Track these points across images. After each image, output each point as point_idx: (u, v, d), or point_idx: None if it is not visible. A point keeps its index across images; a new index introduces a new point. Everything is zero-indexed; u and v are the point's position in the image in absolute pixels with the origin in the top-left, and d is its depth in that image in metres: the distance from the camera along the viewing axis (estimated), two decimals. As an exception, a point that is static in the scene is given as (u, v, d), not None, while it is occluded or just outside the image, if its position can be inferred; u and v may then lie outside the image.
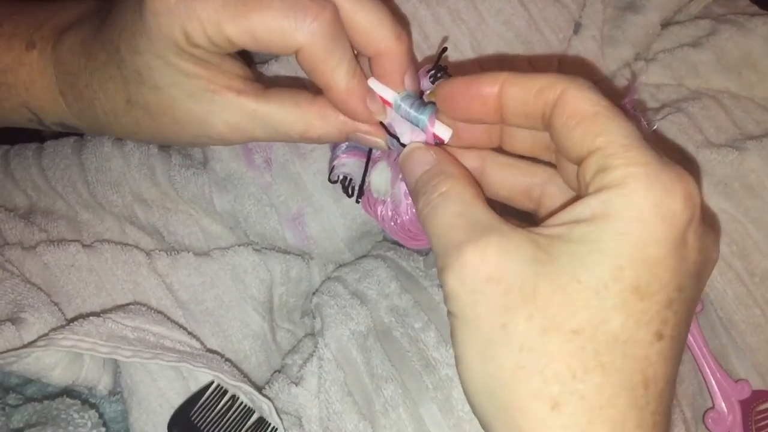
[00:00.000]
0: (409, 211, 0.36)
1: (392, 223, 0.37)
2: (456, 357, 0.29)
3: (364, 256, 0.49)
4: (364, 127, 0.35)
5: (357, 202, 0.38)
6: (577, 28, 0.52)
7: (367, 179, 0.38)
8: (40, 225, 0.47)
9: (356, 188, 0.38)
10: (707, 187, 0.45)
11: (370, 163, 0.38)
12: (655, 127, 0.37)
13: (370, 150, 0.38)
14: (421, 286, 0.44)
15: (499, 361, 0.27)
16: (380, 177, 0.38)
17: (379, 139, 0.36)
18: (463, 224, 0.29)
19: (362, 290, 0.44)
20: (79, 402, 0.37)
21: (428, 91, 0.37)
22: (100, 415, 0.38)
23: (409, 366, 0.40)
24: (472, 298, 0.27)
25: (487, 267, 0.27)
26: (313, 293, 0.47)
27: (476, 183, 0.33)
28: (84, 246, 0.45)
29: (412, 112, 0.35)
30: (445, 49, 0.40)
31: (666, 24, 0.53)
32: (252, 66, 0.46)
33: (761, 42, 0.48)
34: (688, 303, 0.27)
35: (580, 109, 0.28)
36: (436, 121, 0.35)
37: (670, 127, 0.46)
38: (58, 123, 0.41)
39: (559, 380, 0.25)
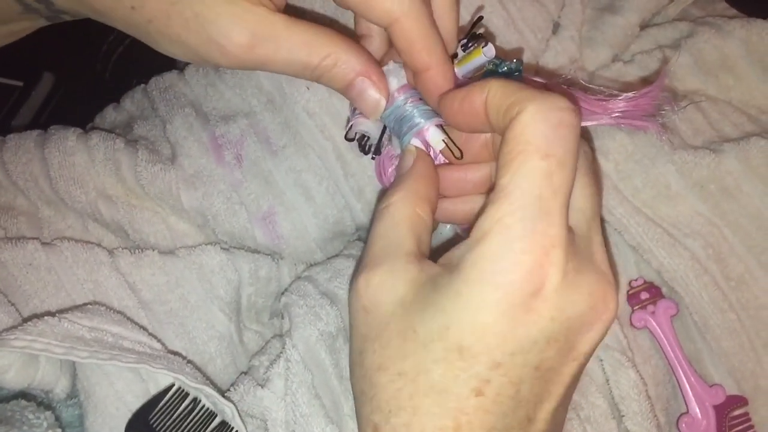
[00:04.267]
0: None
1: None
2: None
3: (335, 256, 0.48)
4: (375, 77, 0.36)
5: (373, 158, 0.39)
6: (556, 28, 0.52)
7: (384, 140, 0.38)
8: (-1, 221, 0.45)
9: (373, 146, 0.39)
10: (684, 189, 0.44)
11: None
12: (676, 114, 0.38)
13: None
14: (393, 286, 0.43)
15: (353, 381, 0.32)
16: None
17: (379, 98, 0.36)
18: (378, 244, 0.32)
19: (333, 290, 0.43)
20: (35, 404, 0.36)
21: (460, 58, 0.38)
22: (57, 418, 0.36)
23: (379, 369, 0.39)
24: (352, 319, 0.32)
25: (365, 297, 0.31)
26: (282, 293, 0.46)
27: (427, 199, 0.34)
28: (43, 244, 0.43)
29: (408, 120, 0.36)
30: (480, 18, 0.40)
31: (644, 26, 0.53)
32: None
33: (739, 45, 0.48)
34: (535, 366, 0.28)
35: (512, 138, 0.29)
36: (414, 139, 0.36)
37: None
38: None
39: (379, 412, 0.30)
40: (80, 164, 0.46)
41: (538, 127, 0.28)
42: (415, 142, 0.36)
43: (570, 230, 0.29)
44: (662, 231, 0.44)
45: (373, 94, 0.36)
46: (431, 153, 0.37)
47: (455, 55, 0.38)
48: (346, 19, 0.47)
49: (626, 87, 0.35)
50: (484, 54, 0.36)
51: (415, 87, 0.37)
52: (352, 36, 0.37)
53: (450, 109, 0.34)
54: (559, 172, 0.28)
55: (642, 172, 0.45)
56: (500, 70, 0.36)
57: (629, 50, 0.52)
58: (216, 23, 0.33)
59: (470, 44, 0.37)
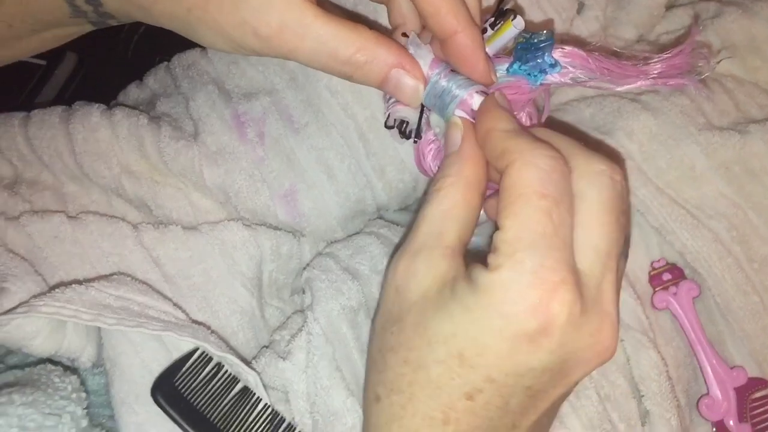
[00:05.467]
0: None
1: None
2: None
3: (357, 233, 0.48)
4: (409, 66, 0.36)
5: (415, 142, 0.39)
6: (581, 8, 0.51)
7: (423, 124, 0.38)
8: (25, 196, 0.46)
9: (413, 130, 0.39)
10: (708, 170, 0.44)
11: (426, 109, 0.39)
12: (712, 70, 0.38)
13: None
14: (415, 263, 0.43)
15: (370, 348, 0.35)
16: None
17: (417, 85, 0.36)
18: (423, 229, 0.34)
19: (354, 266, 0.44)
20: (62, 368, 0.37)
21: (489, 35, 0.38)
22: (82, 383, 0.37)
23: (399, 344, 0.39)
24: (384, 293, 0.35)
25: (398, 279, 0.33)
26: (304, 268, 0.46)
27: (477, 183, 0.34)
28: (69, 217, 0.44)
29: (446, 93, 0.36)
30: None
31: (670, 6, 0.52)
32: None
33: (766, 26, 0.48)
34: (526, 386, 0.31)
35: (510, 185, 0.31)
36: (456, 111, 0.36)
37: (672, 108, 0.45)
38: None
39: (383, 386, 0.33)
40: (104, 140, 0.46)
41: (531, 172, 0.31)
42: (459, 113, 0.36)
43: (578, 269, 0.31)
44: (686, 212, 0.44)
45: (409, 82, 0.36)
46: None
47: (484, 31, 0.38)
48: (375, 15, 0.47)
49: (658, 49, 0.35)
50: (514, 26, 0.36)
51: (445, 60, 0.37)
52: (379, 30, 0.36)
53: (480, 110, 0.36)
54: (556, 209, 0.30)
55: (666, 153, 0.44)
56: (533, 41, 0.35)
57: (654, 30, 0.51)
58: (248, 3, 0.34)
59: (498, 21, 0.37)
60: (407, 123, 0.39)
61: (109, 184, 0.46)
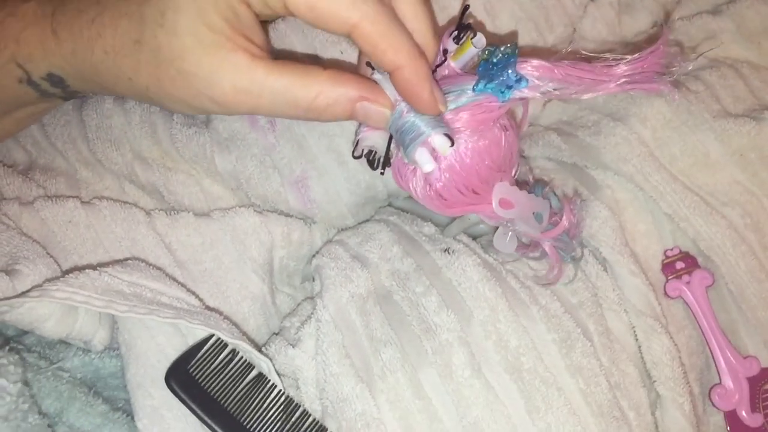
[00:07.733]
0: (442, 177, 0.36)
1: (426, 192, 0.37)
2: None
3: (366, 221, 0.48)
4: (373, 96, 0.35)
5: (381, 173, 0.38)
6: (594, -6, 0.51)
7: (392, 150, 0.37)
8: (39, 181, 0.46)
9: (381, 160, 0.38)
10: (723, 157, 0.43)
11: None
12: (689, 68, 0.36)
13: None
14: (424, 250, 0.43)
15: None
16: None
17: (384, 110, 0.35)
18: None
19: (363, 253, 0.44)
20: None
21: (452, 52, 0.37)
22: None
23: (408, 330, 0.39)
24: None
25: None
26: (313, 255, 0.46)
27: None
28: (82, 202, 0.44)
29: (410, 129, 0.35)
30: (467, 8, 0.38)
31: (685, -9, 0.52)
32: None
33: (784, 11, 0.47)
34: None
35: None
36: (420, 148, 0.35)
37: (687, 95, 0.45)
38: (46, 75, 0.38)
39: None
40: (117, 126, 0.47)
41: None
42: (421, 151, 0.35)
43: None
44: (699, 199, 0.43)
45: (376, 110, 0.36)
46: (438, 159, 0.36)
47: (446, 51, 0.37)
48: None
49: (633, 50, 0.34)
50: (474, 45, 0.35)
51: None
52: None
53: None
54: None
55: (680, 140, 0.44)
56: (494, 59, 0.35)
57: (670, 17, 0.50)
58: (198, 76, 0.34)
59: (461, 35, 0.37)
60: (375, 152, 0.38)
61: (122, 171, 0.47)
